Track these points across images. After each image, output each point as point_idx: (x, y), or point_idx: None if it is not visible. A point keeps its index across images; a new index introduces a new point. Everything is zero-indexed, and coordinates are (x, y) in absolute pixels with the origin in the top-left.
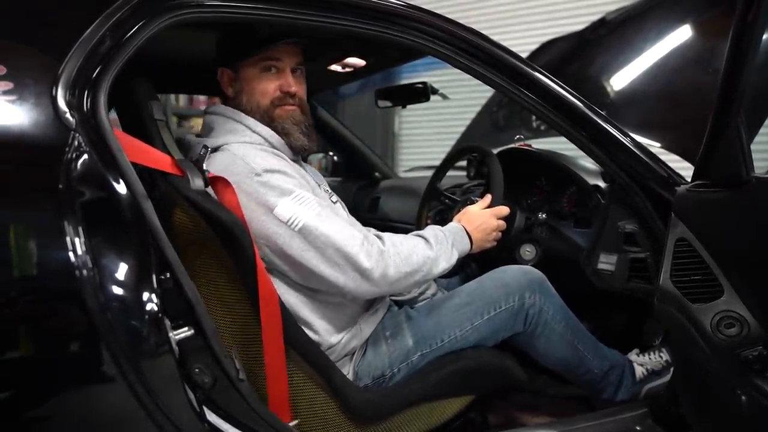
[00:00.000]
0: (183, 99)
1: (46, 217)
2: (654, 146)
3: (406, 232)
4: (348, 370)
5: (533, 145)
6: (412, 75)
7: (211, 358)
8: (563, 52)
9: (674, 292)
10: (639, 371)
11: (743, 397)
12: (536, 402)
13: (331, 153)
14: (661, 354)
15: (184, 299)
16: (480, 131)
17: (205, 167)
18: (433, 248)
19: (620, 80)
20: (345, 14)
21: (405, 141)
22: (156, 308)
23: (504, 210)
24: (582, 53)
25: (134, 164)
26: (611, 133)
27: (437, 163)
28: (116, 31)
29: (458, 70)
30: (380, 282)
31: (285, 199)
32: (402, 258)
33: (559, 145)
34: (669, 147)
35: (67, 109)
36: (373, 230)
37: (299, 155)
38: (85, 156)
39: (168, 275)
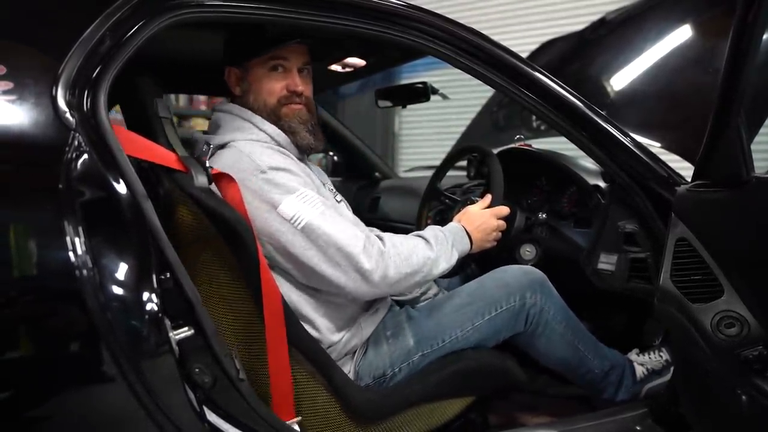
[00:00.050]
0: (183, 99)
1: (46, 217)
2: (654, 146)
3: (406, 232)
4: (349, 369)
5: (533, 145)
6: (412, 75)
7: (211, 357)
8: (563, 52)
9: (674, 292)
10: (639, 371)
11: (743, 397)
12: (536, 402)
13: (331, 153)
14: (661, 353)
15: (184, 299)
16: (480, 131)
17: (210, 164)
18: (433, 249)
19: (620, 80)
20: (346, 14)
21: (405, 141)
22: (156, 308)
23: (504, 210)
24: (582, 53)
25: (139, 161)
26: (611, 133)
27: (437, 163)
28: (116, 31)
29: (458, 70)
30: (380, 283)
31: (289, 197)
32: (402, 259)
33: (559, 145)
34: (669, 147)
35: (67, 109)
36: (376, 230)
37: (305, 154)
38: (85, 156)
39: (168, 275)
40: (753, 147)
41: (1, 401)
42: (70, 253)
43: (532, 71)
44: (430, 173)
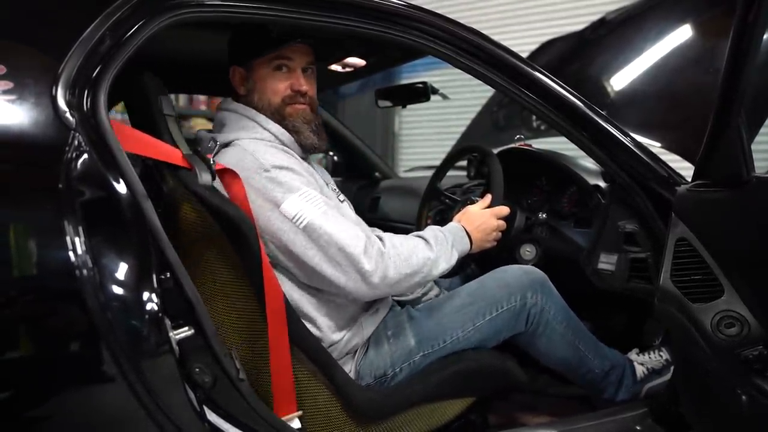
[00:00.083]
0: (183, 99)
1: (46, 217)
2: (654, 146)
3: (406, 232)
4: (350, 369)
5: (533, 145)
6: (412, 75)
7: (211, 357)
8: (563, 52)
9: (674, 292)
10: (639, 370)
11: (743, 397)
12: (537, 402)
13: (331, 153)
14: (661, 353)
15: (184, 299)
16: (480, 131)
17: (214, 161)
18: (433, 249)
19: (620, 80)
20: (347, 14)
21: (405, 141)
22: (156, 308)
23: (504, 210)
24: (582, 53)
25: (143, 158)
26: (612, 133)
27: (437, 163)
28: (116, 31)
29: (458, 70)
30: (380, 284)
31: (292, 195)
32: (402, 259)
33: (559, 145)
34: (669, 147)
35: (67, 109)
36: (378, 231)
37: (308, 153)
38: (85, 155)
39: (168, 275)
40: (753, 147)
41: (1, 401)
42: (70, 253)
43: (532, 71)
44: (430, 173)
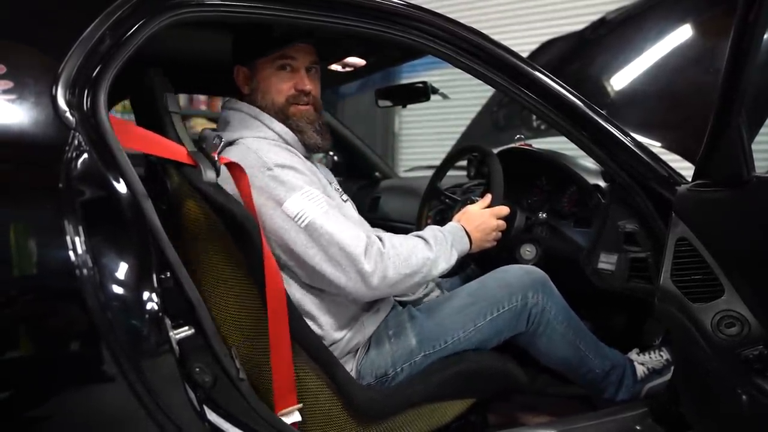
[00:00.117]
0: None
1: (46, 216)
2: (655, 146)
3: (406, 231)
4: (351, 368)
5: (533, 145)
6: (412, 74)
7: (211, 357)
8: (563, 52)
9: (675, 292)
10: (640, 370)
11: (744, 397)
12: (537, 402)
13: (331, 153)
14: (662, 353)
15: (184, 298)
16: (480, 131)
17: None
18: (433, 249)
19: (620, 80)
20: (346, 14)
21: (405, 141)
22: (156, 307)
23: (504, 210)
24: (582, 53)
25: (149, 156)
26: (612, 132)
27: (437, 162)
28: (116, 30)
29: (458, 70)
30: (380, 285)
31: (294, 194)
32: (402, 260)
33: (559, 144)
34: (670, 146)
35: (67, 108)
36: (381, 231)
37: (312, 153)
38: (85, 155)
39: (168, 274)
40: (754, 147)
41: (1, 401)
42: (71, 253)
43: (532, 71)
44: (430, 173)
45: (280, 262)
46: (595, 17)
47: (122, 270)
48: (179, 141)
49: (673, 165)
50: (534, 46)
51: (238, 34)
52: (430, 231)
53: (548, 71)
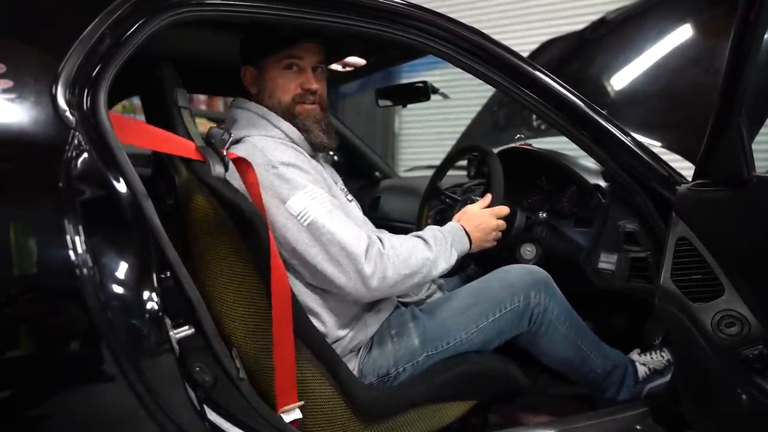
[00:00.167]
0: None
1: (46, 216)
2: (655, 146)
3: (406, 231)
4: (353, 367)
5: (534, 145)
6: (412, 74)
7: (211, 357)
8: (563, 52)
9: (675, 292)
10: (641, 371)
11: (744, 396)
12: (537, 402)
13: (331, 152)
14: (663, 353)
15: (184, 298)
16: (480, 131)
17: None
18: (432, 249)
19: (621, 80)
20: (347, 13)
21: (405, 140)
22: (156, 307)
23: (504, 210)
24: (582, 53)
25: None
26: (612, 132)
27: (437, 162)
28: (116, 30)
29: (459, 70)
30: (380, 286)
31: (298, 193)
32: (401, 260)
33: (559, 144)
34: (670, 146)
35: (67, 108)
36: (385, 232)
37: (318, 152)
38: (85, 154)
39: (168, 274)
40: (754, 146)
41: (1, 400)
42: (71, 252)
43: (532, 70)
44: (430, 173)
45: (284, 260)
46: (595, 17)
47: (122, 269)
48: (188, 136)
49: (673, 165)
50: (534, 46)
51: (246, 34)
52: (430, 231)
53: (548, 71)
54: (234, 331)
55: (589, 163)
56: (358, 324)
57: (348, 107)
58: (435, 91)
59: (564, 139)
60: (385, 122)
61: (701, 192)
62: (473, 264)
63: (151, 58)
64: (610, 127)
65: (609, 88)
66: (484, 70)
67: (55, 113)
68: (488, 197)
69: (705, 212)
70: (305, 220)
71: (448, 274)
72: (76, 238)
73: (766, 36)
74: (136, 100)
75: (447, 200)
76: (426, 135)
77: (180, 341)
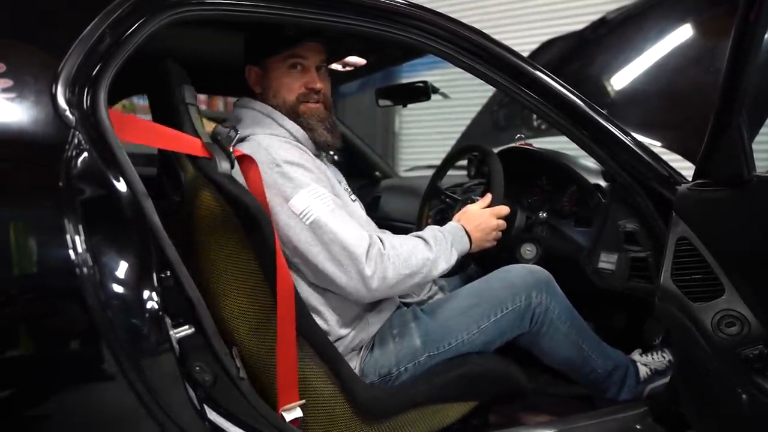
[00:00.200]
0: None
1: (46, 215)
2: (655, 145)
3: (406, 231)
4: (355, 366)
5: (534, 145)
6: (412, 74)
7: (211, 356)
8: (563, 52)
9: (675, 291)
10: (643, 371)
11: (744, 396)
12: (537, 401)
13: (331, 152)
14: (664, 354)
15: (184, 297)
16: (481, 130)
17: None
18: (433, 249)
19: (621, 80)
20: (347, 12)
21: (405, 140)
22: (156, 306)
23: (504, 209)
24: (582, 53)
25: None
26: (612, 132)
27: (438, 162)
28: (116, 29)
29: (459, 69)
30: (380, 287)
31: (301, 191)
32: (401, 260)
33: (560, 144)
34: (670, 146)
35: (66, 107)
36: (389, 233)
37: (322, 151)
38: (85, 154)
39: (168, 273)
40: (754, 146)
41: (1, 400)
42: (71, 251)
43: (533, 70)
44: (430, 173)
45: (286, 258)
46: (595, 17)
47: (122, 269)
48: (195, 133)
49: (673, 165)
50: (534, 46)
51: (250, 33)
52: (430, 231)
53: (548, 71)
54: (237, 328)
55: (590, 162)
56: (360, 323)
57: (348, 107)
58: (435, 90)
59: (564, 138)
60: (385, 122)
61: (701, 192)
62: (473, 264)
63: (155, 56)
64: (610, 127)
65: (609, 88)
66: (485, 69)
67: (55, 112)
68: (488, 197)
69: (705, 212)
70: (307, 218)
71: (449, 274)
72: (76, 238)
73: (766, 36)
74: (137, 100)
75: (447, 200)
76: (426, 135)
77: (180, 341)
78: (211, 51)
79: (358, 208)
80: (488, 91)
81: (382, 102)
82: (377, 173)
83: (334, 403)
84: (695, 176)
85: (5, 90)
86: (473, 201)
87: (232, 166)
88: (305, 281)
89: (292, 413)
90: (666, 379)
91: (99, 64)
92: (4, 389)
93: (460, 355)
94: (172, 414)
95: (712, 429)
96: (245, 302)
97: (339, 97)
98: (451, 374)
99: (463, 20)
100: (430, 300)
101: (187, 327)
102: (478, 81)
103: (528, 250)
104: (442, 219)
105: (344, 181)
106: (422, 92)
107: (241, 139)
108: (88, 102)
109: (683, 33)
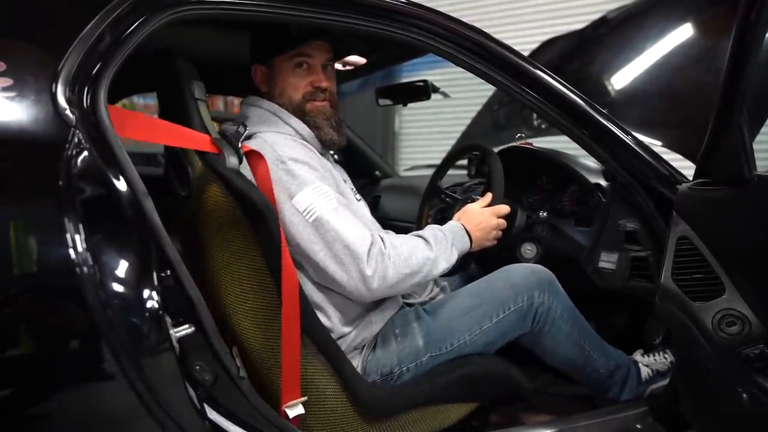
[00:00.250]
0: None
1: (46, 214)
2: (656, 145)
3: (406, 231)
4: (357, 365)
5: (534, 144)
6: (412, 73)
7: (211, 355)
8: (564, 51)
9: (675, 291)
10: (644, 372)
11: (744, 396)
12: (538, 401)
13: (331, 152)
14: (666, 355)
15: (184, 296)
16: (481, 130)
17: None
18: (433, 249)
19: (621, 79)
20: (347, 11)
21: (405, 140)
22: (156, 305)
23: (504, 209)
24: (583, 52)
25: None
26: (613, 131)
27: (438, 161)
28: (116, 28)
29: (459, 69)
30: (380, 286)
31: (305, 189)
32: (402, 260)
33: (560, 143)
34: (671, 145)
35: (67, 106)
36: (392, 233)
37: (328, 149)
38: (85, 153)
39: (168, 272)
40: (755, 145)
41: (1, 399)
42: (71, 251)
43: (533, 69)
44: (430, 172)
45: (290, 255)
46: (595, 17)
47: (122, 268)
48: (204, 128)
49: (674, 164)
50: (534, 45)
51: (256, 33)
52: (431, 230)
53: (549, 70)
54: (241, 325)
55: (590, 162)
56: (363, 322)
57: (348, 106)
58: (435, 90)
59: (565, 138)
60: (385, 121)
61: (702, 191)
62: (474, 263)
63: (163, 55)
64: (610, 126)
65: (610, 87)
66: (485, 69)
67: (55, 111)
68: (489, 196)
69: (706, 211)
70: (311, 216)
71: (449, 274)
72: (76, 237)
73: (766, 35)
74: (137, 99)
75: (447, 199)
76: (426, 134)
77: (180, 340)
78: (218, 50)
79: (362, 207)
80: (488, 90)
81: (382, 101)
82: (377, 172)
83: (336, 401)
84: (696, 175)
85: (5, 89)
86: (473, 200)
87: (240, 162)
88: (309, 279)
89: (295, 410)
90: (667, 380)
91: (99, 63)
92: (4, 388)
93: (462, 356)
94: (172, 413)
95: (712, 428)
96: (250, 299)
97: (339, 97)
98: (452, 375)
99: (464, 19)
100: (431, 301)
101: (187, 326)
102: (479, 80)
103: (528, 249)
104: (442, 218)
105: (349, 181)
106: (422, 91)
107: (248, 137)
108: (88, 101)
109: (684, 32)
